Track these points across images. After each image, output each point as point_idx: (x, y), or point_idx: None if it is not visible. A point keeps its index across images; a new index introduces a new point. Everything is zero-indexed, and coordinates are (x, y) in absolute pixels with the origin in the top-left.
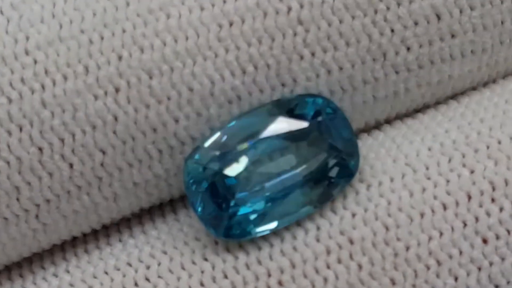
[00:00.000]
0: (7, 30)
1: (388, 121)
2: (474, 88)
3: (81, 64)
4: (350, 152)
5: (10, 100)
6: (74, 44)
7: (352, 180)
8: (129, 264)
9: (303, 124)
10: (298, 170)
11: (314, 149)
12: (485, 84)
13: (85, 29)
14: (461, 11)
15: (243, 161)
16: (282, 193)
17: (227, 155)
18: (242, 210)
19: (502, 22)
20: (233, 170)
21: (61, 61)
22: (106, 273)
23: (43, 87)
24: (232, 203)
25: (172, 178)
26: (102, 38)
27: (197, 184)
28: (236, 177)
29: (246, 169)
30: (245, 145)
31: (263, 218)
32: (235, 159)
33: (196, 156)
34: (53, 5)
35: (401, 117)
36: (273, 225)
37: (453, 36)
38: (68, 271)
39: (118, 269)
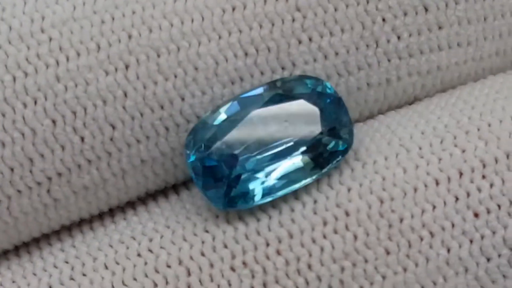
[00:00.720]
0: (24, 11)
1: (385, 111)
2: (463, 83)
3: (93, 41)
4: (344, 127)
5: (26, 74)
6: (87, 23)
7: (347, 153)
8: (133, 238)
9: (300, 102)
10: (295, 140)
11: (309, 123)
12: (477, 79)
13: (97, 10)
14: (446, 5)
15: (242, 132)
16: (280, 161)
17: (225, 128)
18: (243, 178)
19: (484, 18)
20: (232, 138)
21: (75, 39)
22: (111, 246)
23: (57, 62)
24: (232, 171)
25: (178, 158)
26: (113, 18)
27: (198, 155)
28: (235, 146)
29: (245, 139)
30: (243, 119)
31: (262, 186)
32: (234, 131)
33: (197, 129)
34: None
35: (394, 109)
36: (271, 194)
37: (440, 27)
38: (74, 246)
39: (122, 242)
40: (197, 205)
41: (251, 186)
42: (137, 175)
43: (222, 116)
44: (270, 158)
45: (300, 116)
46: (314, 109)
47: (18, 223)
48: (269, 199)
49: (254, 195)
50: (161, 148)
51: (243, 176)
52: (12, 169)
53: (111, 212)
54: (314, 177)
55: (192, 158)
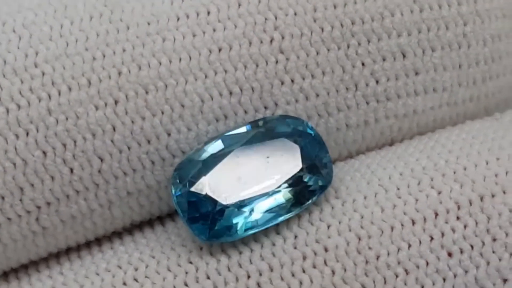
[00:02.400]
0: (19, 46)
1: (366, 151)
2: (441, 127)
3: (85, 77)
4: (324, 164)
5: (19, 107)
6: (79, 59)
7: (326, 189)
8: (119, 267)
9: (281, 140)
10: (276, 177)
11: (290, 160)
12: (455, 124)
13: (89, 47)
14: (423, 51)
15: (226, 168)
16: (261, 199)
17: (209, 164)
18: (226, 212)
19: (459, 66)
20: (215, 177)
21: (67, 74)
22: (97, 274)
23: (49, 96)
24: (216, 206)
25: (163, 191)
26: (104, 55)
27: (183, 190)
28: (218, 184)
29: (227, 176)
30: (226, 155)
31: (245, 221)
32: (218, 167)
33: (182, 165)
34: (60, 26)
35: (372, 150)
36: (253, 228)
37: (416, 73)
38: (61, 273)
39: (109, 271)
40: (182, 237)
41: (235, 220)
42: (123, 207)
43: (206, 153)
44: (253, 193)
45: (282, 153)
46: (295, 147)
47: (7, 249)
48: (251, 232)
49: (237, 229)
50: (147, 181)
51: (226, 210)
52: (2, 197)
53: (99, 242)
54: (294, 212)
55: (178, 193)
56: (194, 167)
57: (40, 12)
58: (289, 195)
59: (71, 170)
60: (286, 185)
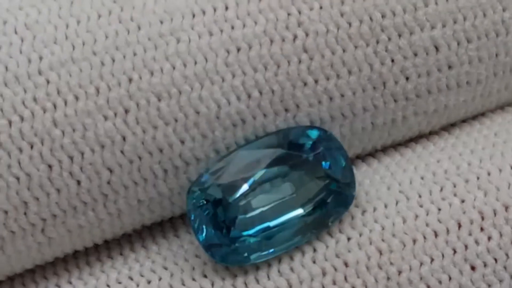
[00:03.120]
0: (21, 50)
1: (384, 148)
2: (469, 117)
3: (93, 85)
4: (347, 182)
5: (22, 119)
6: (86, 65)
7: (348, 209)
8: (131, 278)
9: (302, 154)
10: (296, 198)
11: (311, 177)
12: (476, 116)
13: (97, 51)
14: (458, 44)
15: (243, 189)
16: (280, 221)
17: (228, 184)
18: (242, 237)
19: (496, 55)
20: (233, 197)
21: (73, 82)
22: (108, 286)
23: (55, 106)
24: (232, 230)
25: (176, 197)
26: (113, 60)
27: (199, 211)
28: (236, 204)
29: (246, 196)
30: (245, 174)
31: (261, 245)
32: (236, 187)
33: (199, 184)
34: (66, 27)
35: (396, 145)
36: (270, 252)
37: (450, 67)
38: (70, 282)
39: (120, 283)
40: (195, 245)
41: (252, 254)
42: (134, 214)
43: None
44: (272, 218)
45: (301, 170)
46: (314, 163)
47: (12, 260)
48: (267, 258)
49: (252, 255)
50: (159, 189)
51: (246, 242)
52: (6, 212)
53: (107, 245)
54: (310, 237)
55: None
56: (209, 184)
57: (44, 9)
58: (308, 218)
59: (78, 183)
60: (305, 204)
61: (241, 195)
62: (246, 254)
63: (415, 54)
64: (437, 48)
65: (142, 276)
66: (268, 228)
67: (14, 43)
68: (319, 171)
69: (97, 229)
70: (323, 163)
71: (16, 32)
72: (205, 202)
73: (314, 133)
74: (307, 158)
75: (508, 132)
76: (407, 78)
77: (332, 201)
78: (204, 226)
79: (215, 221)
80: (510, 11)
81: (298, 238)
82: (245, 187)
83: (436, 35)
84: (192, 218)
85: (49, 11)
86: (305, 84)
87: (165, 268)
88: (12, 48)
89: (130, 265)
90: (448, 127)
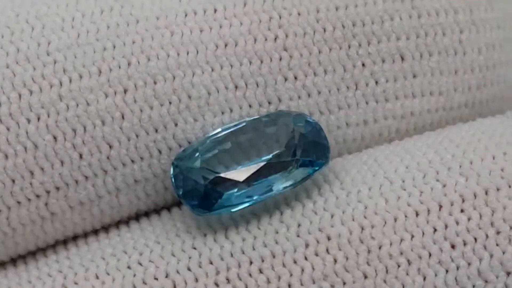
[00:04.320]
0: (32, 36)
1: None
2: (435, 130)
3: (95, 66)
4: (322, 145)
5: (31, 92)
6: (90, 49)
7: (322, 168)
8: (124, 251)
9: (281, 126)
10: (272, 154)
11: (288, 140)
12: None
13: (100, 38)
14: (421, 55)
15: (223, 151)
16: (256, 173)
17: (207, 146)
18: (218, 185)
19: (455, 71)
20: (210, 154)
21: (78, 62)
22: (103, 258)
23: (60, 83)
24: (210, 177)
25: (169, 180)
26: (114, 46)
27: (180, 167)
28: (212, 160)
29: (222, 154)
30: (223, 139)
31: (238, 192)
32: (213, 146)
33: (183, 150)
34: (72, 19)
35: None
36: (248, 200)
37: (414, 76)
38: (68, 258)
39: (114, 255)
40: (187, 224)
41: (228, 191)
42: (130, 194)
43: (204, 139)
44: (248, 168)
45: (279, 136)
46: (294, 131)
47: (16, 234)
48: (246, 204)
49: (231, 201)
50: (154, 169)
51: (220, 183)
52: (13, 180)
53: (106, 230)
54: (288, 186)
55: (175, 173)
56: (193, 152)
57: (52, 4)
58: (284, 171)
59: (81, 156)
60: (281, 160)
61: (217, 151)
62: (225, 201)
63: (383, 61)
64: (402, 57)
65: (135, 249)
66: (246, 179)
67: (25, 30)
68: (294, 137)
69: (96, 208)
70: (299, 131)
71: (27, 22)
72: (185, 160)
73: (294, 115)
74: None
75: (494, 131)
76: (376, 82)
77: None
78: (183, 179)
79: (193, 174)
80: (466, 34)
81: (275, 185)
82: (221, 145)
83: (401, 45)
84: (174, 176)
85: (57, 6)
86: (286, 79)
87: (157, 242)
88: (23, 33)
89: (125, 241)
90: (438, 130)
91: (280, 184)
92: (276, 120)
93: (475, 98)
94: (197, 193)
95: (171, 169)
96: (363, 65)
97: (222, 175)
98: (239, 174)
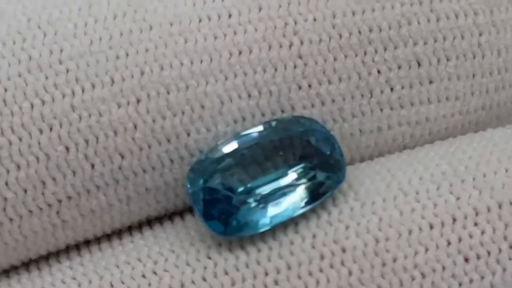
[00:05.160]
0: (44, 42)
1: (387, 154)
2: (453, 135)
3: (108, 75)
4: (337, 161)
5: (43, 102)
6: (103, 57)
7: (340, 186)
8: (139, 260)
9: (294, 138)
10: (289, 175)
11: (303, 158)
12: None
13: (113, 45)
14: (438, 60)
15: (239, 167)
16: (276, 195)
17: (224, 162)
18: (240, 209)
19: (473, 75)
20: (229, 174)
21: (90, 72)
22: (117, 266)
23: (73, 92)
24: (231, 202)
25: (180, 188)
26: (127, 54)
27: (198, 187)
28: (232, 181)
29: (241, 173)
30: (240, 153)
31: (259, 216)
32: (229, 163)
33: (197, 164)
34: (84, 24)
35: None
36: (269, 224)
37: (431, 81)
38: (82, 264)
39: (128, 263)
40: (201, 232)
41: (250, 216)
42: (141, 202)
43: (220, 152)
44: (268, 189)
45: (295, 150)
46: (308, 144)
47: (27, 241)
48: (267, 227)
49: (252, 225)
50: (165, 179)
51: (241, 207)
52: (25, 190)
53: (119, 235)
54: (308, 207)
55: (193, 191)
56: (209, 165)
57: (65, 9)
58: (303, 192)
59: (93, 166)
60: (300, 181)
61: (235, 168)
62: (247, 226)
63: (399, 67)
64: (419, 63)
65: (149, 257)
66: (264, 199)
67: (37, 36)
68: (309, 151)
69: (107, 215)
70: (312, 143)
71: (39, 27)
72: (202, 175)
73: (305, 122)
74: (299, 140)
75: (507, 143)
76: (391, 89)
77: (323, 177)
78: (202, 199)
79: (213, 194)
80: (486, 36)
81: (293, 208)
82: (237, 162)
83: (418, 51)
84: (191, 192)
85: (70, 11)
86: (300, 87)
87: (172, 251)
88: (35, 40)
89: (139, 249)
90: (449, 139)
91: (301, 208)
92: (289, 130)
93: (492, 101)
94: (219, 219)
95: (188, 187)
96: (378, 72)
97: (245, 201)
98: (263, 200)
